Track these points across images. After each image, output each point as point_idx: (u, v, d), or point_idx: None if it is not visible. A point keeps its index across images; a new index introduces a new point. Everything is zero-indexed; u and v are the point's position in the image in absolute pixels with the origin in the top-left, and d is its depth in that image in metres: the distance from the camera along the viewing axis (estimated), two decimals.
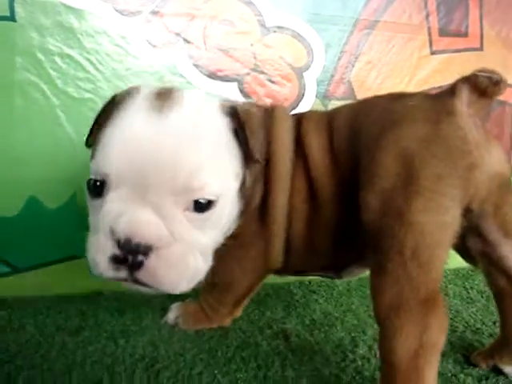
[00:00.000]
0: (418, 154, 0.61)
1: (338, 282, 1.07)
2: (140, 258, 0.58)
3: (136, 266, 0.58)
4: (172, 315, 0.85)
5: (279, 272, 0.82)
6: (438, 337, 0.55)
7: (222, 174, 0.64)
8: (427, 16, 1.16)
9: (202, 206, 0.61)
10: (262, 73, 1.09)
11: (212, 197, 0.61)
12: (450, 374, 0.69)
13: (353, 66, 1.15)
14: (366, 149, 0.66)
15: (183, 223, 0.60)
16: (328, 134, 0.73)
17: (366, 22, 1.13)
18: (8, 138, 0.98)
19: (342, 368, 0.72)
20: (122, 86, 0.99)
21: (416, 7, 1.15)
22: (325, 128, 0.74)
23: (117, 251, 0.58)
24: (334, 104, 1.14)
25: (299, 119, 0.77)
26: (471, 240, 0.68)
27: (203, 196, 0.61)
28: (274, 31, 1.08)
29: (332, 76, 1.14)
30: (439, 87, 1.17)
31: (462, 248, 0.69)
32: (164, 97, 0.64)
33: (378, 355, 0.67)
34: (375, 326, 0.78)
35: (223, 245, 0.70)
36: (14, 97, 1.00)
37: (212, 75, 1.07)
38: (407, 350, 0.56)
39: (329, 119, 0.75)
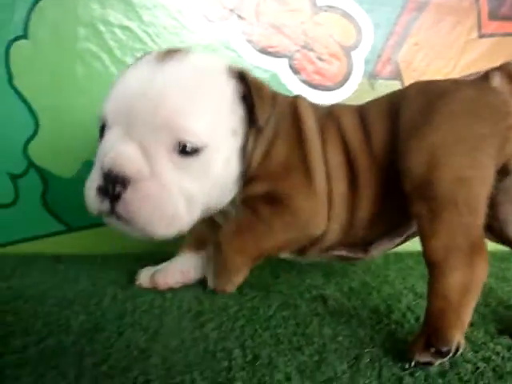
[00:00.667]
0: (465, 114, 0.66)
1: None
2: (118, 189, 0.60)
3: (115, 198, 0.61)
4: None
5: (306, 250, 0.82)
6: (484, 275, 0.60)
7: (211, 125, 0.65)
8: None
9: (187, 151, 0.63)
10: (312, 50, 1.12)
11: (197, 142, 0.63)
12: (480, 342, 0.70)
13: (400, 47, 1.17)
14: (410, 120, 0.71)
15: (164, 162, 0.62)
16: (360, 116, 0.78)
17: (416, 4, 1.15)
18: (69, 103, 1.03)
19: (377, 330, 0.74)
20: None
21: None
22: (357, 113, 0.80)
23: (101, 182, 0.61)
24: (380, 84, 1.16)
25: (329, 107, 0.82)
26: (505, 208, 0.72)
27: (187, 138, 0.62)
28: (325, 10, 1.11)
29: (379, 56, 1.16)
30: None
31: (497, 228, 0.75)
32: (171, 53, 0.68)
33: (411, 321, 0.76)
34: (410, 295, 0.85)
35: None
36: (75, 65, 1.06)
37: (263, 51, 1.10)
38: (460, 285, 0.60)
39: (360, 109, 0.81)
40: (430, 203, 0.64)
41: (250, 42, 1.08)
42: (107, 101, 0.66)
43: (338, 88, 1.12)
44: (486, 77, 0.69)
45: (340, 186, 0.74)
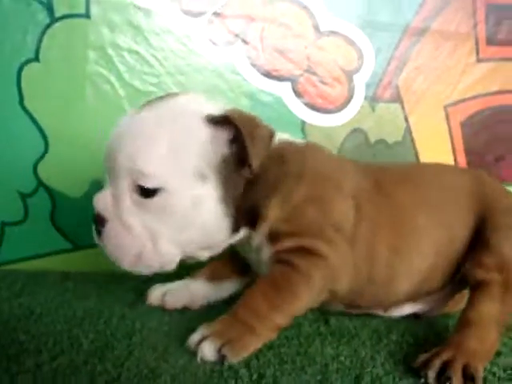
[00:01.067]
0: None
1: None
2: (99, 227, 0.69)
3: (98, 233, 0.70)
4: (209, 348, 0.68)
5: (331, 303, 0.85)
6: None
7: (168, 168, 0.66)
8: (475, 25, 1.19)
9: (144, 192, 0.66)
10: (315, 74, 1.15)
11: (153, 184, 0.66)
12: None
13: (401, 71, 1.20)
14: None
15: (127, 203, 0.67)
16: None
17: (416, 30, 1.18)
18: (79, 124, 1.06)
19: (377, 350, 0.77)
20: (184, 81, 1.09)
21: (464, 16, 1.19)
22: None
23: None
24: (381, 106, 1.19)
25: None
26: None
27: (142, 181, 0.66)
28: (328, 35, 1.15)
29: (380, 80, 1.19)
30: (484, 94, 1.21)
31: None
32: (157, 99, 0.73)
33: (409, 341, 0.80)
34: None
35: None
36: (85, 88, 1.08)
37: (268, 74, 1.13)
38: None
39: None
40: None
41: (254, 65, 1.12)
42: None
43: (339, 111, 1.15)
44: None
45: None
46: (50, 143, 1.07)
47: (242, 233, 0.79)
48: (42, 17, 1.06)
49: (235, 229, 0.74)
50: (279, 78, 1.15)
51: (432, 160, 1.15)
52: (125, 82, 1.09)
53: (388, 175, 0.85)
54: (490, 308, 0.72)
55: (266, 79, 1.14)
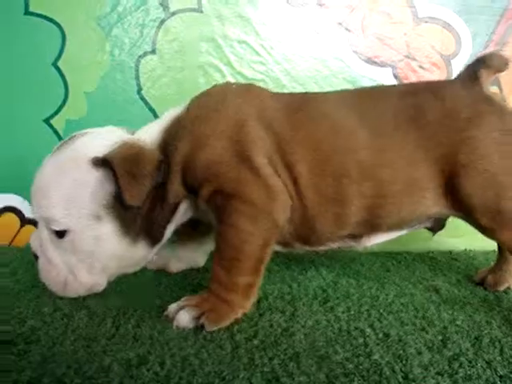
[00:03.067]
0: None
1: (476, 253, 1.16)
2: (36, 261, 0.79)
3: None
4: (185, 317, 0.73)
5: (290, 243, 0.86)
6: None
7: (66, 213, 0.74)
8: None
9: (56, 233, 0.75)
10: (414, 59, 1.20)
11: (59, 227, 0.74)
12: None
13: None
14: None
15: (47, 242, 0.76)
16: None
17: None
18: None
19: (491, 316, 0.81)
20: (290, 69, 1.16)
21: None
22: None
23: None
24: None
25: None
26: None
27: (51, 225, 0.74)
28: (426, 21, 1.19)
29: None
30: None
31: None
32: (64, 144, 0.80)
33: None
34: None
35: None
36: (198, 77, 1.17)
37: (369, 61, 1.19)
38: None
39: None
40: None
41: (356, 52, 1.17)
42: None
43: None
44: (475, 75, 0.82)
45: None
46: None
47: (170, 231, 0.84)
48: (158, 12, 1.15)
49: (154, 241, 0.81)
50: (380, 64, 1.20)
51: None
52: (235, 71, 1.17)
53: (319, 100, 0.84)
54: None
55: (367, 65, 1.20)
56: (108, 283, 0.81)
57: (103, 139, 0.77)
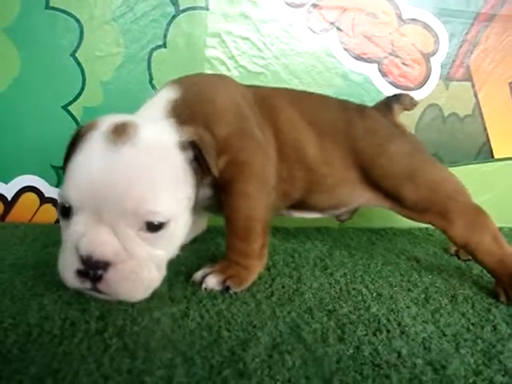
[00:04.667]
0: None
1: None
2: (100, 272, 0.64)
3: (97, 279, 0.64)
4: (213, 280, 0.83)
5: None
6: None
7: (172, 202, 0.70)
8: None
9: (153, 227, 0.67)
10: (398, 57, 1.34)
11: (161, 219, 0.68)
12: None
13: (471, 53, 1.38)
14: None
15: (136, 241, 0.67)
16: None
17: (485, 16, 1.35)
18: None
19: (464, 279, 0.98)
20: (287, 64, 1.29)
21: None
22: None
23: (80, 266, 0.65)
24: (453, 84, 1.38)
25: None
26: None
27: (153, 219, 0.67)
28: (408, 23, 1.33)
29: (453, 61, 1.38)
30: None
31: None
32: (120, 132, 0.69)
33: (488, 275, 0.93)
34: None
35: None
36: (204, 69, 1.28)
37: (358, 57, 1.33)
38: None
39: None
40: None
41: (346, 50, 1.31)
42: (70, 187, 0.68)
43: (418, 88, 1.35)
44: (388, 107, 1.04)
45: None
46: None
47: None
48: (169, 9, 1.26)
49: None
50: (367, 60, 1.34)
51: (500, 134, 1.40)
52: (238, 64, 1.29)
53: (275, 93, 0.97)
54: None
55: (356, 61, 1.33)
56: None
57: (157, 126, 0.75)
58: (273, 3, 1.27)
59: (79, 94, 1.28)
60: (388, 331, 0.72)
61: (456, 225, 0.89)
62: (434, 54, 1.36)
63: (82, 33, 1.24)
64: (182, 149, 0.73)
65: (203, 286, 0.85)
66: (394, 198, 0.94)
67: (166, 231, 0.69)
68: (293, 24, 1.29)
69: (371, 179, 0.94)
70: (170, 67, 1.28)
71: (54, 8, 1.22)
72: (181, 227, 0.74)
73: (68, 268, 0.67)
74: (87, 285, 0.66)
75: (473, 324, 0.76)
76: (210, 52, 1.28)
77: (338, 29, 1.29)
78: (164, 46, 1.27)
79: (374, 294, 0.87)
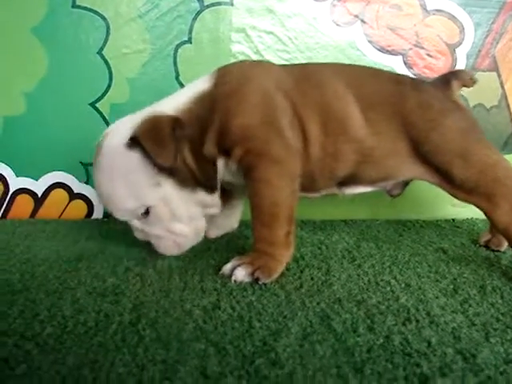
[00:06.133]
0: None
1: (476, 220, 1.35)
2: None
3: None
4: (242, 273, 0.86)
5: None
6: None
7: (139, 195, 0.85)
8: None
9: (143, 214, 0.87)
10: (422, 48, 1.34)
11: (141, 210, 0.87)
12: None
13: (497, 43, 1.36)
14: None
15: (145, 227, 0.90)
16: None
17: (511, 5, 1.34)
18: None
19: (493, 270, 0.97)
20: (311, 57, 1.29)
21: None
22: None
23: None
24: (479, 75, 1.36)
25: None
26: None
27: (135, 212, 0.87)
28: (433, 13, 1.33)
29: (479, 51, 1.36)
30: None
31: None
32: (99, 144, 0.89)
33: None
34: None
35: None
36: None
37: (382, 49, 1.33)
38: None
39: None
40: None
41: (371, 42, 1.31)
42: None
43: None
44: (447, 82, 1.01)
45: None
46: None
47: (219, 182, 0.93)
48: (194, 5, 1.28)
49: (211, 189, 0.91)
50: (392, 52, 1.33)
51: None
52: (263, 58, 1.29)
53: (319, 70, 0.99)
54: None
55: (380, 54, 1.33)
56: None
57: (123, 129, 0.87)
58: None
59: (106, 91, 1.30)
60: (417, 321, 0.72)
61: (501, 209, 0.89)
62: (459, 44, 1.35)
63: (108, 30, 1.27)
64: (128, 148, 0.84)
65: (233, 278, 0.86)
66: (443, 175, 0.92)
67: (154, 213, 0.86)
68: (317, 17, 1.30)
69: (422, 154, 0.92)
70: (195, 63, 1.29)
71: (80, 7, 1.25)
72: (162, 209, 0.87)
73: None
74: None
75: (502, 314, 0.76)
76: (235, 47, 1.29)
77: (363, 21, 1.29)
78: (189, 41, 1.29)
79: (403, 285, 0.87)
